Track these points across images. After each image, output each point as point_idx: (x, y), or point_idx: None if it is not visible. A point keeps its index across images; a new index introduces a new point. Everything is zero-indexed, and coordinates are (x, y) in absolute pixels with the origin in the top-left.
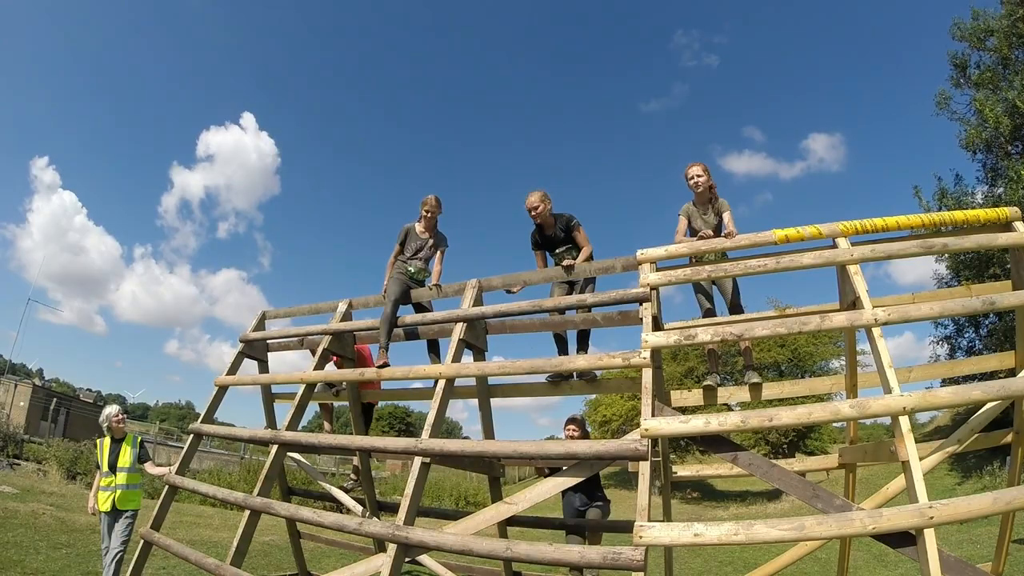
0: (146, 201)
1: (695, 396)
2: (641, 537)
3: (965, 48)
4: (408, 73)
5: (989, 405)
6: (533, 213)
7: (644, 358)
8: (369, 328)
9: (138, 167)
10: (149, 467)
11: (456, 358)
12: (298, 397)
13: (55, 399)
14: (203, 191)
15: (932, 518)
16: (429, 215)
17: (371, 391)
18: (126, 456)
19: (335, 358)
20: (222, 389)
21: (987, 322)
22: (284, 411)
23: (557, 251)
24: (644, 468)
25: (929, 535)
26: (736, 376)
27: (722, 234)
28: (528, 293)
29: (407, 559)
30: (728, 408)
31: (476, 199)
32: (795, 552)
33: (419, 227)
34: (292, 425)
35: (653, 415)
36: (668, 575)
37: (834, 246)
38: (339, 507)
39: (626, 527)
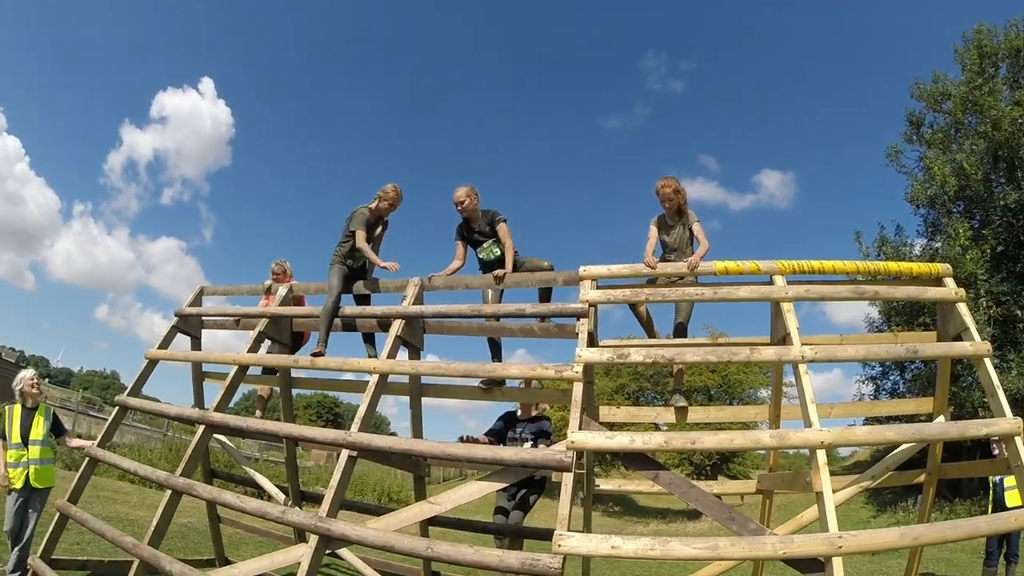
0: (92, 157)
1: (623, 413)
2: (560, 546)
3: (922, 107)
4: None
5: (904, 446)
6: (460, 207)
7: (576, 372)
8: (309, 315)
9: (88, 121)
10: (69, 440)
11: (392, 354)
12: (229, 378)
13: None
14: (152, 153)
15: (840, 547)
16: (389, 206)
17: (304, 322)
18: (39, 428)
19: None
20: (152, 362)
21: (912, 367)
22: (212, 391)
23: (484, 245)
24: (567, 479)
25: (837, 563)
26: (667, 396)
27: (693, 254)
28: (469, 296)
29: (327, 551)
30: (656, 427)
31: (427, 195)
32: (710, 571)
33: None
34: (221, 406)
35: (580, 428)
36: None
37: (771, 283)
38: (261, 494)
39: (546, 535)
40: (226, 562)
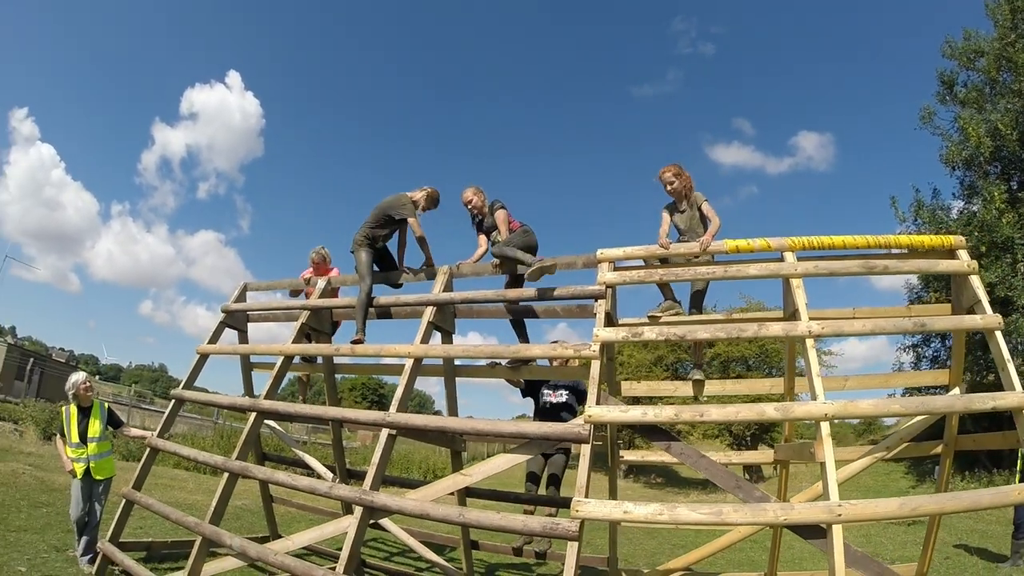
0: (126, 158)
1: (643, 387)
2: (577, 511)
3: (954, 66)
4: (396, 43)
5: (918, 417)
6: (470, 207)
7: (594, 351)
8: (347, 306)
9: (120, 122)
10: (128, 431)
11: (425, 339)
12: (276, 367)
13: (31, 359)
14: (184, 150)
15: (840, 515)
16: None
17: (343, 312)
18: (95, 427)
19: None
20: (203, 357)
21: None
22: (261, 380)
23: (495, 235)
24: (585, 450)
25: (837, 530)
26: (712, 367)
27: (705, 233)
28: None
29: (371, 521)
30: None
31: (455, 173)
32: (731, 537)
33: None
34: (270, 394)
35: (598, 403)
36: (612, 550)
37: (781, 259)
38: (311, 473)
39: (567, 503)
40: (280, 538)
